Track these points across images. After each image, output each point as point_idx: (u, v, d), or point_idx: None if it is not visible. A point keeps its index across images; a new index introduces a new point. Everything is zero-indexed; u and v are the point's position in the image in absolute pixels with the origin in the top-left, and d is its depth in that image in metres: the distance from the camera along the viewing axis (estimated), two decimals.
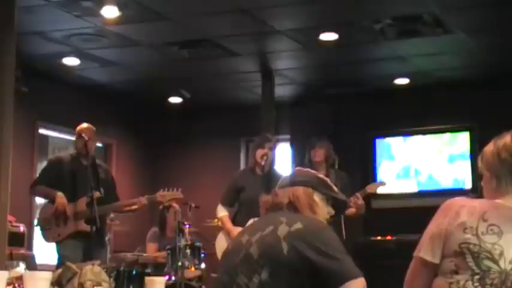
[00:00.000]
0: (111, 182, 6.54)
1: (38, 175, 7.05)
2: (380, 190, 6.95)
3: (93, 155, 6.31)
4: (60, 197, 6.13)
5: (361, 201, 6.35)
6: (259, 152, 6.50)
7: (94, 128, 6.40)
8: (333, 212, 2.88)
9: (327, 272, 2.52)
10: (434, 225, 2.41)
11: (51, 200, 6.22)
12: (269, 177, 6.33)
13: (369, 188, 6.62)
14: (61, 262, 5.79)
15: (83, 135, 6.23)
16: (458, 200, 2.43)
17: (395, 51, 8.01)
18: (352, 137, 9.33)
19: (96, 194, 5.98)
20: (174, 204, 6.92)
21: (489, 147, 2.48)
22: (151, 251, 7.49)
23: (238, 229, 5.45)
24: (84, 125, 6.39)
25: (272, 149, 6.56)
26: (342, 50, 8.02)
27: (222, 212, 6.55)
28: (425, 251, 2.40)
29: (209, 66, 8.68)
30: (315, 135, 7.04)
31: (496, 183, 2.43)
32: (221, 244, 6.36)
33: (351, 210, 6.35)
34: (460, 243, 2.33)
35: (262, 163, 6.46)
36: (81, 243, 6.09)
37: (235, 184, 6.58)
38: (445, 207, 2.43)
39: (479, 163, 2.51)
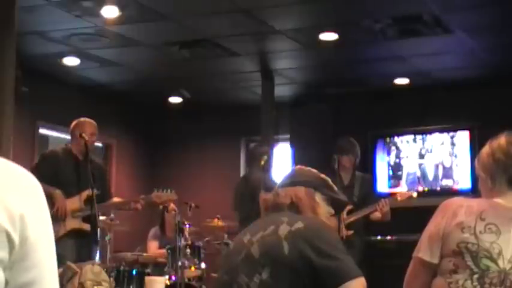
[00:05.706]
0: (104, 178, 6.48)
1: (32, 170, 6.93)
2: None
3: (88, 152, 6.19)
4: (60, 197, 6.05)
5: (387, 208, 6.33)
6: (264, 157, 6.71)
7: (95, 123, 6.30)
8: (332, 211, 2.87)
9: (326, 271, 2.51)
10: (432, 226, 2.42)
11: (48, 197, 6.15)
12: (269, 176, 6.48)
13: (400, 196, 6.58)
14: (58, 261, 5.77)
15: (84, 135, 6.13)
16: (456, 200, 2.44)
17: (395, 51, 8.00)
18: (351, 137, 9.30)
19: (90, 192, 5.89)
20: (172, 205, 6.93)
21: (485, 149, 2.51)
22: (153, 249, 7.49)
23: None
24: (85, 123, 6.25)
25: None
26: (342, 50, 8.02)
27: None
28: (424, 251, 2.40)
29: (209, 66, 8.67)
30: (318, 136, 7.10)
31: (492, 183, 2.44)
32: None
33: (377, 215, 6.36)
34: (458, 242, 2.33)
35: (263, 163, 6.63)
36: (75, 240, 6.02)
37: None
38: (443, 207, 2.44)
39: (476, 165, 2.52)
